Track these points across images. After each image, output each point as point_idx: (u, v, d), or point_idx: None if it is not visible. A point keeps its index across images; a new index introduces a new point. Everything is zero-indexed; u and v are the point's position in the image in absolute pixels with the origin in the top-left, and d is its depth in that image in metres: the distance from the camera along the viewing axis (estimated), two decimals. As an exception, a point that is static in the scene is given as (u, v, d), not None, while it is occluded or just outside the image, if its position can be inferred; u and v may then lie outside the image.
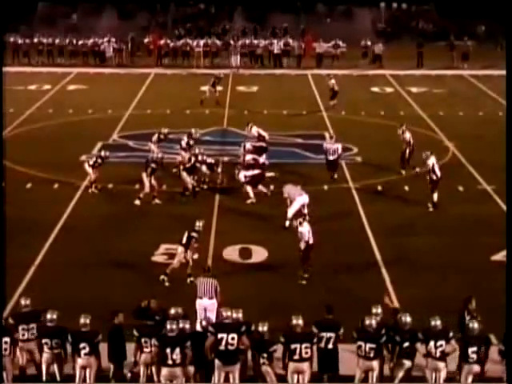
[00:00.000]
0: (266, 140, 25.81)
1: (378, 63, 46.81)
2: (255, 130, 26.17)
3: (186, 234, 17.71)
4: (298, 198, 21.12)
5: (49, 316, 13.32)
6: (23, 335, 13.48)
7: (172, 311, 13.44)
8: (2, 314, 13.56)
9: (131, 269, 18.39)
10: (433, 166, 22.41)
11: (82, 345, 13.07)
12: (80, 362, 13.12)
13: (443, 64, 46.92)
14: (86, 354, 13.09)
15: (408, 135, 25.48)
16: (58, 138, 30.08)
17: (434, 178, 22.37)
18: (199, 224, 17.93)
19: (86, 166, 23.73)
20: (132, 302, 14.23)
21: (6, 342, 13.03)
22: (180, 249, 17.64)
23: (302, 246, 17.91)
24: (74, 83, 41.95)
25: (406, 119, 31.99)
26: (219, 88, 35.99)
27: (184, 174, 23.27)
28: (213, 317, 14.50)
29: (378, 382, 13.20)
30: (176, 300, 14.64)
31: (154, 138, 25.66)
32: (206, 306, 14.97)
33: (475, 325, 13.08)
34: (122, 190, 23.85)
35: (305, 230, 17.98)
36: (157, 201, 22.74)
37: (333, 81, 35.15)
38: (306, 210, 21.09)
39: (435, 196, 22.42)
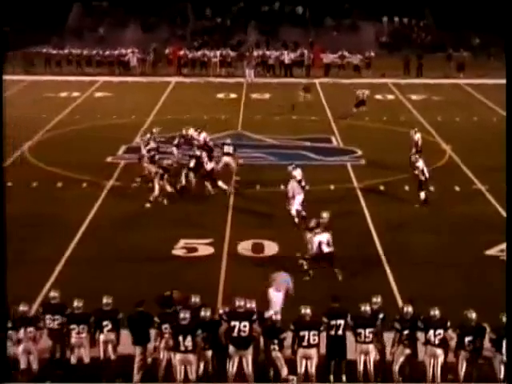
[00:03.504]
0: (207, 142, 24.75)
1: (358, 73, 46.72)
2: (203, 136, 24.96)
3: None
4: (298, 196, 20.75)
5: (75, 304, 13.37)
6: (49, 324, 13.52)
7: (192, 300, 13.48)
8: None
9: (153, 262, 18.36)
10: (422, 167, 22.37)
11: (104, 322, 13.28)
12: (102, 337, 13.30)
13: (441, 74, 46.84)
14: (108, 331, 13.28)
15: (418, 136, 25.97)
16: (86, 141, 30.08)
17: (423, 178, 22.31)
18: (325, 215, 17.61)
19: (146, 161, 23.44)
20: (154, 293, 14.17)
21: (30, 332, 13.07)
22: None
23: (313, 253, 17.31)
24: (101, 91, 42.06)
25: (407, 124, 31.93)
26: (302, 94, 36.47)
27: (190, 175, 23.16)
28: (278, 308, 14.29)
29: (375, 366, 13.18)
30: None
31: (176, 141, 25.41)
32: (277, 298, 14.68)
33: (473, 315, 12.96)
34: (144, 188, 23.76)
35: (316, 239, 17.31)
36: (165, 201, 22.32)
37: (366, 92, 35.30)
38: (302, 208, 20.69)
39: (422, 194, 22.28)
